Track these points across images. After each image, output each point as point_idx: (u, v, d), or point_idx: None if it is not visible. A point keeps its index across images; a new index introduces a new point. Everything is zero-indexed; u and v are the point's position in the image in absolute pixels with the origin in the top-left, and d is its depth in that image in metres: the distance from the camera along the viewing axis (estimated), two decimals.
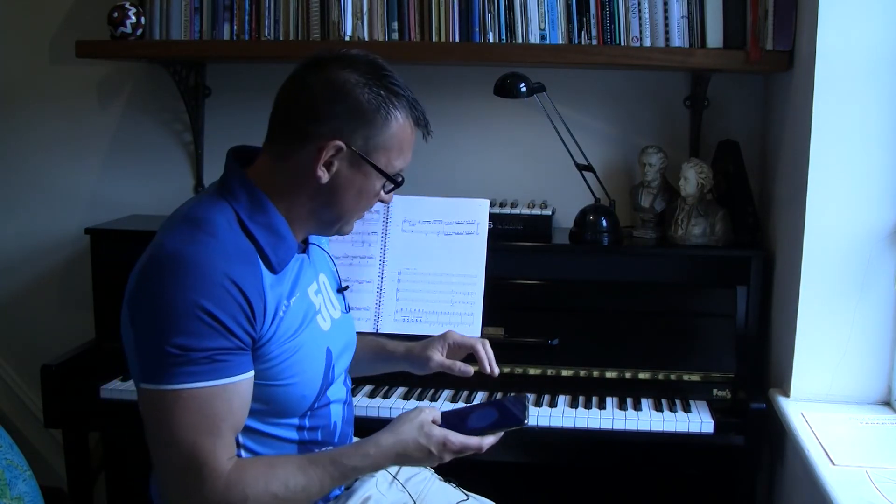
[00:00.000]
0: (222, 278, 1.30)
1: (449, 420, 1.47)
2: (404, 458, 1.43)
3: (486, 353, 1.72)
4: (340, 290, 1.65)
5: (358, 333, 1.72)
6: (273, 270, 1.39)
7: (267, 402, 1.42)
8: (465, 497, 1.70)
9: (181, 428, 1.29)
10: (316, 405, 1.51)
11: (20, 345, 2.87)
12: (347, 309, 1.67)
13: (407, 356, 1.77)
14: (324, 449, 1.51)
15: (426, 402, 2.15)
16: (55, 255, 2.81)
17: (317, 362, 1.48)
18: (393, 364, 1.81)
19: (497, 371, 1.71)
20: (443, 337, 1.76)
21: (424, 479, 1.72)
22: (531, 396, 2.17)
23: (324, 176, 1.39)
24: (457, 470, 1.83)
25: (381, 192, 1.47)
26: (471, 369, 1.71)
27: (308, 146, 1.39)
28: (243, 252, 1.36)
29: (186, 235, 1.34)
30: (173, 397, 1.28)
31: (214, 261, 1.31)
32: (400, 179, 1.47)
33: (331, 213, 1.45)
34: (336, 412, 1.57)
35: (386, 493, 1.64)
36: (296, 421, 1.48)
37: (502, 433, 1.47)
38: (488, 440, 1.46)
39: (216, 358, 1.30)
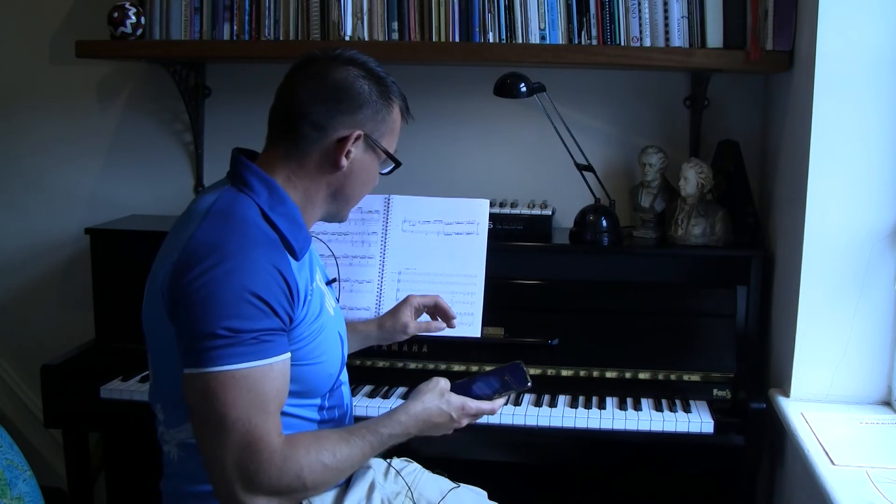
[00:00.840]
0: (265, 263, 1.39)
1: (457, 390, 1.62)
2: (429, 424, 1.57)
3: (445, 304, 1.95)
4: (329, 282, 1.72)
5: None
6: (296, 257, 1.48)
7: (300, 383, 1.50)
8: (456, 485, 1.77)
9: (234, 408, 1.35)
10: (335, 385, 1.61)
11: (20, 345, 2.87)
12: (337, 300, 1.77)
13: (381, 332, 1.95)
14: (345, 425, 1.63)
15: None
16: (55, 255, 2.81)
17: (336, 343, 1.60)
18: (366, 341, 1.97)
19: (454, 317, 1.96)
20: (405, 302, 1.95)
21: (414, 470, 1.79)
22: (531, 396, 2.17)
23: (345, 163, 1.52)
24: (457, 469, 1.83)
25: (380, 175, 1.62)
26: (443, 325, 1.95)
27: (325, 138, 1.50)
28: (272, 240, 1.45)
29: (220, 226, 1.42)
30: (225, 378, 1.35)
31: (254, 247, 1.40)
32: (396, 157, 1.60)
33: (343, 198, 1.57)
34: (346, 393, 1.70)
35: (384, 483, 1.70)
36: (318, 401, 1.57)
37: (510, 395, 1.65)
38: (499, 402, 1.64)
39: (262, 339, 1.37)
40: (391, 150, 1.59)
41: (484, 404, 1.62)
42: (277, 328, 1.40)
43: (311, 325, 1.50)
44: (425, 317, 2.00)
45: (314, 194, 1.54)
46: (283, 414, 1.48)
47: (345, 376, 1.70)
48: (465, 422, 1.61)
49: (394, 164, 1.60)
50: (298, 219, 1.51)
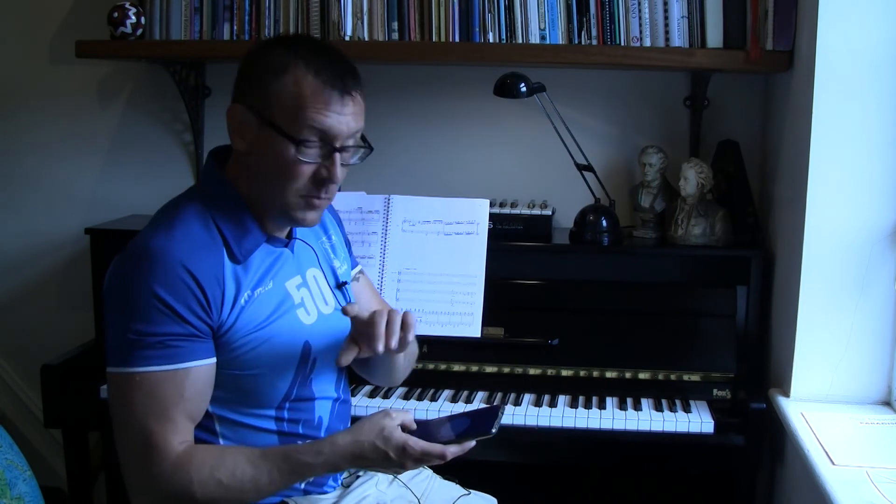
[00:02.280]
0: (177, 266, 1.36)
1: (423, 428, 1.44)
2: (361, 459, 1.40)
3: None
4: (339, 285, 1.64)
5: None
6: (236, 261, 1.43)
7: (238, 392, 1.45)
8: (467, 492, 1.73)
9: (133, 410, 1.36)
10: (294, 397, 1.51)
11: (20, 345, 2.87)
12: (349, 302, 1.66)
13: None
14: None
15: (425, 402, 2.14)
16: (55, 255, 2.81)
17: (290, 354, 1.49)
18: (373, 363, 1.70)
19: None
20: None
21: (426, 477, 1.74)
22: (531, 396, 2.17)
23: (240, 143, 1.43)
24: (457, 469, 1.83)
25: (304, 161, 1.39)
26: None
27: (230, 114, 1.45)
28: (205, 242, 1.41)
29: (154, 229, 1.42)
30: (128, 379, 1.35)
31: (170, 250, 1.37)
32: (300, 134, 1.38)
33: (265, 188, 1.43)
34: (323, 408, 1.57)
35: (386, 490, 1.65)
36: (272, 412, 1.50)
37: (471, 443, 1.43)
38: (452, 449, 1.41)
39: (169, 343, 1.35)
40: (290, 127, 1.37)
41: (433, 447, 1.38)
42: (187, 334, 1.36)
43: (249, 334, 1.42)
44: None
45: (251, 192, 1.45)
46: (235, 423, 1.46)
47: (325, 390, 1.57)
48: (409, 464, 1.40)
49: (293, 144, 1.37)
50: (246, 222, 1.45)
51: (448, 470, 1.80)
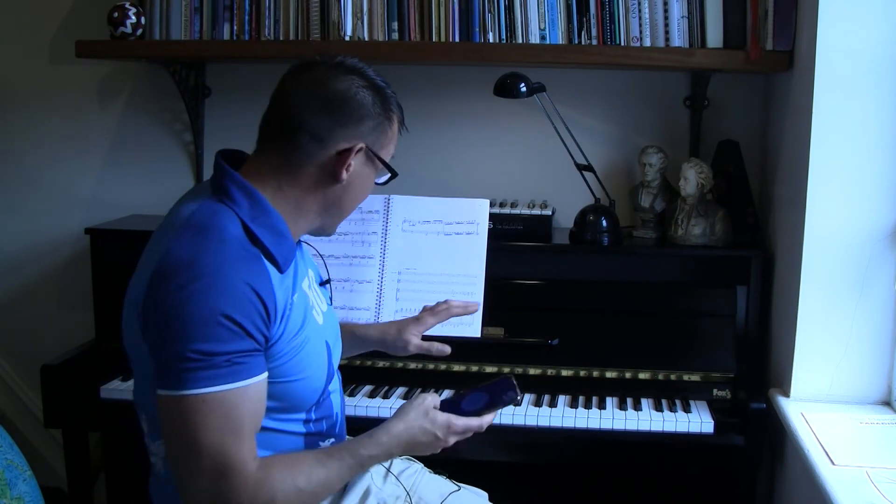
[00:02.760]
0: (240, 283, 1.33)
1: (446, 407, 1.54)
2: (413, 443, 1.49)
3: (457, 305, 1.83)
4: (322, 283, 1.67)
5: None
6: (280, 270, 1.41)
7: (281, 399, 1.44)
8: (457, 487, 1.74)
9: (206, 432, 1.30)
10: (322, 398, 1.55)
11: (20, 345, 2.87)
12: (330, 301, 1.71)
13: (382, 341, 1.84)
14: (329, 440, 1.57)
15: None
16: (55, 255, 2.81)
17: (320, 355, 1.52)
18: (364, 346, 1.88)
19: (476, 304, 1.87)
20: (417, 322, 1.83)
21: (415, 471, 1.76)
22: (531, 396, 2.17)
23: (345, 175, 1.45)
24: (456, 469, 1.83)
25: (375, 186, 1.56)
26: (447, 348, 1.82)
27: (327, 150, 1.44)
28: (252, 255, 1.38)
29: (196, 242, 1.35)
30: (196, 402, 1.29)
31: (230, 266, 1.33)
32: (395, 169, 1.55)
33: (336, 211, 1.51)
34: (336, 402, 1.62)
35: (382, 486, 1.68)
36: (303, 415, 1.52)
37: (498, 410, 1.58)
38: (487, 419, 1.54)
39: (235, 361, 1.31)
40: (391, 163, 1.54)
41: (472, 421, 1.53)
42: (252, 349, 1.34)
43: (291, 342, 1.43)
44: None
45: (306, 207, 1.47)
46: (266, 430, 1.44)
47: (335, 384, 1.63)
48: (451, 440, 1.52)
49: (390, 175, 1.54)
50: (283, 230, 1.44)
51: (448, 469, 1.81)
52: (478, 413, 1.54)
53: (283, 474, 1.36)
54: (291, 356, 1.43)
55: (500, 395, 1.56)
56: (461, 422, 1.51)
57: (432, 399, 1.53)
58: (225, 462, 1.30)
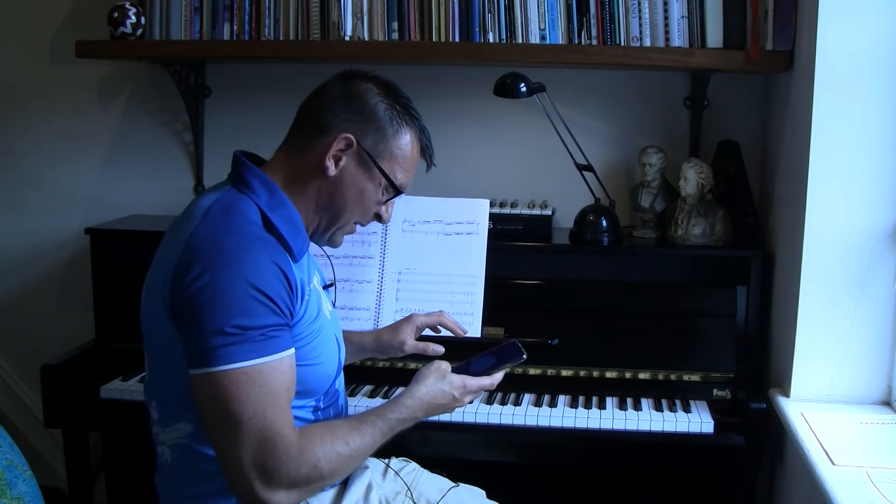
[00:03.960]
0: (266, 259, 1.40)
1: (457, 371, 1.65)
2: (434, 405, 1.58)
3: (450, 319, 1.92)
4: (326, 286, 1.73)
5: None
6: (294, 259, 1.48)
7: (297, 382, 1.48)
8: (455, 484, 1.77)
9: (246, 405, 1.35)
10: (331, 388, 1.62)
11: (20, 345, 2.87)
12: (333, 304, 1.79)
13: (377, 345, 1.92)
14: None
15: None
16: (55, 255, 2.81)
17: (332, 346, 1.60)
18: (360, 354, 1.95)
19: (466, 330, 1.94)
20: (408, 320, 1.91)
21: (413, 470, 1.80)
22: (531, 396, 2.17)
23: (331, 167, 1.50)
24: (456, 469, 1.84)
25: (380, 203, 1.57)
26: (441, 348, 1.88)
27: (322, 139, 1.50)
28: (272, 241, 1.45)
29: (220, 224, 1.42)
30: (238, 375, 1.35)
31: (254, 243, 1.40)
32: (400, 186, 1.57)
33: (332, 210, 1.55)
34: (342, 393, 1.70)
35: (382, 483, 1.71)
36: (313, 402, 1.57)
37: (506, 369, 1.69)
38: (497, 377, 1.67)
39: (269, 335, 1.38)
40: (394, 178, 1.55)
41: (483, 380, 1.64)
42: (282, 324, 1.40)
43: (311, 326, 1.50)
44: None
45: (307, 200, 1.53)
46: None
47: (340, 382, 1.70)
48: (467, 399, 1.63)
49: (393, 192, 1.56)
50: (298, 222, 1.51)
51: (447, 469, 1.81)
52: (487, 373, 1.66)
53: (324, 441, 1.42)
54: (309, 340, 1.50)
55: (506, 355, 1.68)
56: (474, 381, 1.63)
57: (446, 364, 1.63)
58: (268, 432, 1.35)
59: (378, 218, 1.61)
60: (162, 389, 1.50)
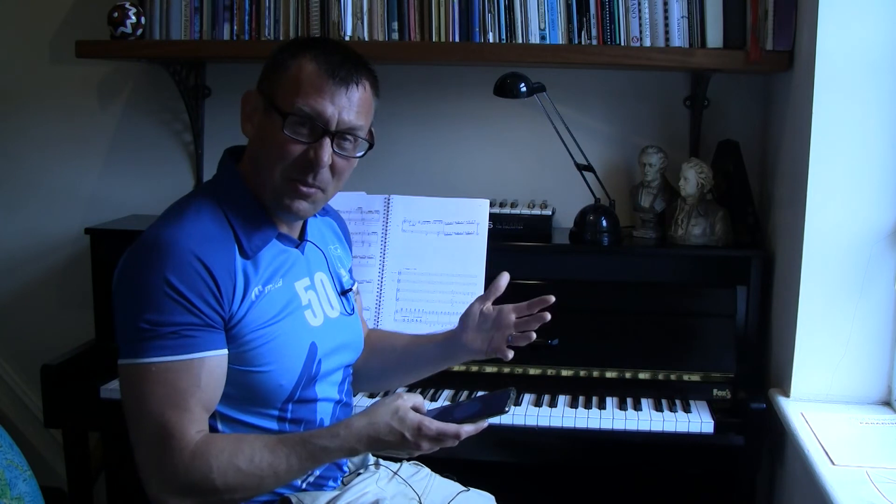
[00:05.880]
0: (189, 256, 1.37)
1: (440, 415, 1.45)
2: (377, 441, 1.40)
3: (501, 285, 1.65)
4: (343, 292, 1.66)
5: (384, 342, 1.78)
6: (246, 256, 1.45)
7: (243, 388, 1.45)
8: (466, 489, 1.74)
9: (150, 400, 1.35)
10: (297, 398, 1.51)
11: (20, 345, 2.87)
12: (352, 311, 1.67)
13: (450, 338, 1.70)
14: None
15: (425, 403, 2.14)
16: (55, 255, 2.81)
17: (296, 354, 1.50)
18: (429, 358, 1.75)
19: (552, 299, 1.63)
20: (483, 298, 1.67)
21: (425, 476, 1.75)
22: (531, 396, 2.17)
23: (248, 128, 1.50)
24: (456, 469, 1.83)
25: (285, 138, 1.43)
26: (502, 285, 1.64)
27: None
28: (216, 235, 1.42)
29: (165, 221, 1.43)
30: (143, 370, 1.35)
31: (183, 241, 1.38)
32: (281, 107, 1.43)
33: (260, 170, 1.47)
34: (324, 410, 1.58)
35: (385, 487, 1.66)
36: (275, 412, 1.50)
37: (485, 423, 1.44)
38: (466, 428, 1.41)
39: (184, 333, 1.36)
40: (277, 101, 1.44)
41: (448, 426, 1.39)
42: (201, 324, 1.37)
43: (258, 330, 1.43)
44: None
45: (251, 175, 1.49)
46: (235, 421, 1.46)
47: (328, 392, 1.58)
48: (424, 444, 1.40)
49: (280, 116, 1.42)
50: (259, 218, 1.47)
51: (447, 468, 1.81)
52: (463, 420, 1.43)
53: (224, 450, 1.36)
54: (254, 346, 1.43)
55: (491, 406, 1.46)
56: (434, 425, 1.39)
57: (410, 399, 1.42)
58: (164, 431, 1.34)
59: (310, 164, 1.43)
60: None
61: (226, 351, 1.41)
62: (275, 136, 1.44)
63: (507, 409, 1.44)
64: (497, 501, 1.79)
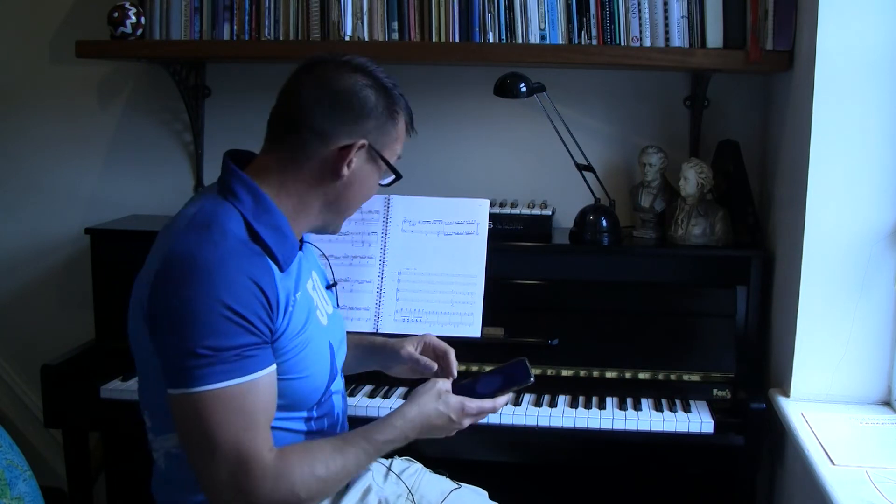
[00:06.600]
0: (241, 276, 1.34)
1: (461, 391, 1.57)
2: (428, 427, 1.51)
3: (454, 361, 1.76)
4: (329, 286, 1.68)
5: (349, 333, 1.76)
6: (281, 269, 1.43)
7: (282, 396, 1.45)
8: (458, 486, 1.75)
9: (222, 428, 1.31)
10: (324, 397, 1.56)
11: (20, 345, 2.87)
12: (337, 304, 1.72)
13: (383, 347, 1.82)
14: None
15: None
16: (55, 255, 2.81)
17: (323, 355, 1.53)
18: (367, 354, 1.85)
19: (454, 375, 1.73)
20: (421, 336, 1.81)
21: (416, 471, 1.77)
22: (531, 396, 2.17)
23: (345, 172, 1.46)
24: (458, 469, 1.83)
25: (380, 188, 1.56)
26: (434, 366, 1.75)
27: (329, 145, 1.45)
28: (254, 250, 1.39)
29: (198, 238, 1.36)
30: (208, 398, 1.31)
31: (231, 259, 1.34)
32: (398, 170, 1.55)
33: (338, 208, 1.52)
34: (337, 402, 1.63)
35: (383, 485, 1.69)
36: (304, 413, 1.52)
37: (512, 393, 1.61)
38: (501, 400, 1.57)
39: (245, 354, 1.33)
40: (393, 162, 1.53)
41: (485, 403, 1.56)
42: (259, 343, 1.35)
43: (294, 339, 1.44)
44: None
45: (309, 203, 1.48)
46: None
47: (338, 385, 1.65)
48: (466, 422, 1.54)
49: (394, 177, 1.54)
50: (285, 229, 1.44)
51: (449, 469, 1.81)
52: (492, 395, 1.57)
53: (302, 463, 1.37)
54: (294, 354, 1.44)
55: (513, 377, 1.59)
56: (474, 403, 1.54)
57: (444, 383, 1.55)
58: (243, 455, 1.32)
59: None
60: (151, 399, 1.46)
61: (275, 364, 1.40)
62: (371, 185, 1.52)
63: (532, 379, 1.58)
64: (498, 502, 1.79)
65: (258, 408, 1.35)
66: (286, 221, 1.45)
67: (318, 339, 1.51)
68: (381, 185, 1.55)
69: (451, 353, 1.75)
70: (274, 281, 1.39)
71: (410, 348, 1.77)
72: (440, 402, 1.52)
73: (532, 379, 1.59)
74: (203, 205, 1.43)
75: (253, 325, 1.34)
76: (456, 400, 1.53)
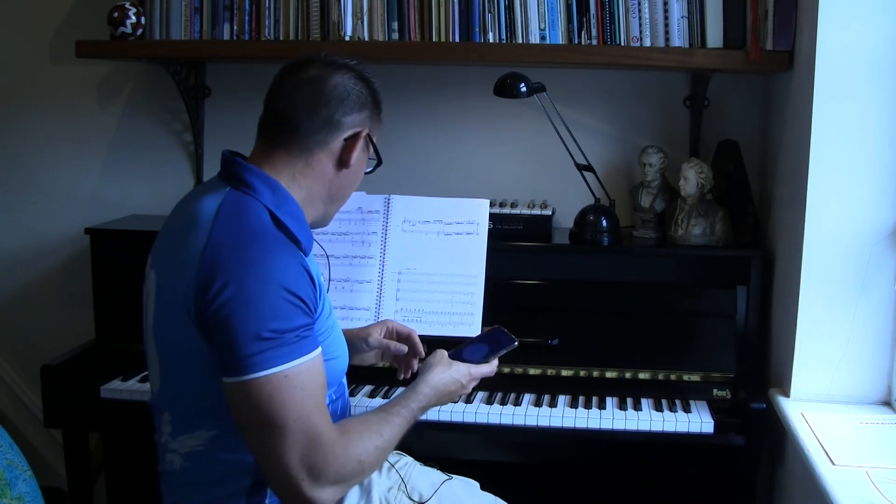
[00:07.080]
0: (291, 259, 1.41)
1: (459, 357, 1.72)
2: (445, 392, 1.65)
3: (418, 341, 1.90)
4: None
5: None
6: (305, 254, 1.50)
7: None
8: (449, 477, 1.78)
9: (289, 409, 1.35)
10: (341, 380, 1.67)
11: (20, 345, 2.87)
12: None
13: (351, 337, 1.87)
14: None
15: None
16: (55, 255, 2.81)
17: (342, 338, 1.64)
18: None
19: (423, 353, 1.88)
20: (382, 322, 1.94)
21: (406, 463, 1.80)
22: (531, 396, 2.17)
23: (351, 161, 1.55)
24: (455, 468, 1.83)
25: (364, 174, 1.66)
26: (404, 348, 1.88)
27: (337, 136, 1.53)
28: (287, 239, 1.45)
29: (236, 231, 1.41)
30: (277, 380, 1.35)
31: (277, 245, 1.41)
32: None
33: (340, 197, 1.61)
34: (345, 385, 1.72)
35: (378, 478, 1.71)
36: (331, 394, 1.59)
37: (501, 355, 1.75)
38: (494, 364, 1.74)
39: (303, 335, 1.39)
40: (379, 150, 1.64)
41: (483, 367, 1.71)
42: (311, 323, 1.42)
43: (326, 321, 1.53)
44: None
45: (316, 194, 1.55)
46: None
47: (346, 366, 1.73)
48: (471, 386, 1.69)
49: (377, 163, 1.64)
50: (302, 217, 1.51)
51: (447, 469, 1.81)
52: (481, 361, 1.72)
53: (363, 436, 1.44)
54: (327, 336, 1.52)
55: (499, 342, 1.75)
56: (477, 369, 1.70)
57: (444, 352, 1.70)
58: (312, 433, 1.37)
59: None
60: (179, 398, 1.48)
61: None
62: (361, 172, 1.61)
63: (516, 343, 1.74)
64: (497, 502, 1.79)
65: (318, 386, 1.40)
66: (301, 211, 1.52)
67: (336, 321, 1.61)
68: (365, 172, 1.64)
69: (415, 333, 1.89)
70: (309, 266, 1.46)
71: (377, 335, 1.89)
72: (452, 369, 1.67)
73: (516, 342, 1.74)
74: (224, 199, 1.46)
75: (307, 306, 1.41)
76: (463, 366, 1.68)
